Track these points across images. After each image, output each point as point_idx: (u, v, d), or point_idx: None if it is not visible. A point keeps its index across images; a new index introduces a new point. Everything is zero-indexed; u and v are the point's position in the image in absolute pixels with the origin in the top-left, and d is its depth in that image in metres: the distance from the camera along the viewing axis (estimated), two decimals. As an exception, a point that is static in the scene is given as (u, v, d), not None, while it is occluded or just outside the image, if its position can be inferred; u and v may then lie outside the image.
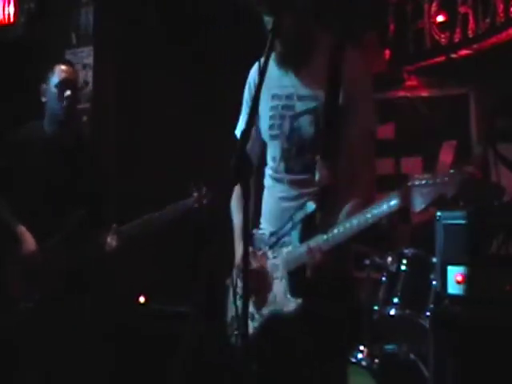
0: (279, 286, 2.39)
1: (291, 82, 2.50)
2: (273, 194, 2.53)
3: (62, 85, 3.57)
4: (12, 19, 5.13)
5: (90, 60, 4.85)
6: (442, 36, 4.87)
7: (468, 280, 3.29)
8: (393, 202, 2.23)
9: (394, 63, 5.22)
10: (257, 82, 2.35)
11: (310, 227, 2.35)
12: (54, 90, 3.56)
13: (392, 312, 3.74)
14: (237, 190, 2.67)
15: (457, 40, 4.80)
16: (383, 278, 3.86)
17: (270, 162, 2.61)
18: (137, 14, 5.05)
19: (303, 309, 2.30)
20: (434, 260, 3.67)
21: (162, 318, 4.37)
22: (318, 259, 2.26)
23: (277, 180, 2.54)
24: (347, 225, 2.26)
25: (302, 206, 2.40)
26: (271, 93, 2.54)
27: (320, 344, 2.34)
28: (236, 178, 2.01)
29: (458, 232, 3.40)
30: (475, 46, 4.74)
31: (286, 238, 2.39)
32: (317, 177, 2.40)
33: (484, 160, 4.65)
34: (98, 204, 3.66)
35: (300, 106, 2.46)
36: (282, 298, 2.37)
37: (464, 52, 4.82)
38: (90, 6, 4.91)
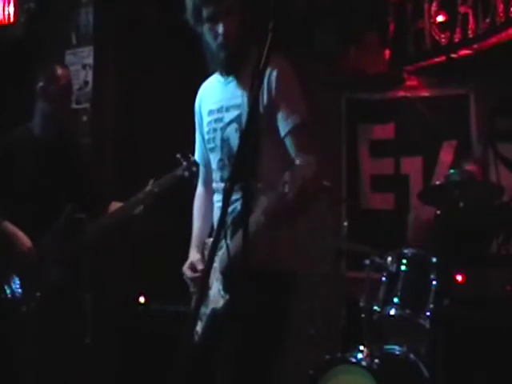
0: (216, 286, 2.51)
1: (222, 96, 2.61)
2: (215, 203, 2.64)
3: (66, 90, 3.63)
4: (12, 19, 5.12)
5: (89, 60, 4.85)
6: (442, 36, 4.87)
7: (468, 280, 3.30)
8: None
9: (394, 63, 5.22)
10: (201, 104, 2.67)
11: (236, 228, 2.42)
12: (56, 94, 3.58)
13: (392, 312, 3.74)
14: (198, 199, 2.82)
15: (457, 40, 4.80)
16: (383, 278, 3.86)
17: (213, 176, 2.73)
18: (137, 14, 5.06)
19: (230, 305, 2.41)
20: (434, 260, 3.68)
21: (162, 317, 4.37)
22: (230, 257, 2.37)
23: (216, 190, 2.66)
24: (252, 220, 2.30)
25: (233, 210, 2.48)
26: (208, 109, 2.67)
27: (245, 339, 2.38)
28: (235, 178, 2.02)
29: (458, 232, 3.40)
30: (475, 45, 4.74)
31: (222, 242, 2.41)
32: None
33: (484, 161, 4.65)
34: (89, 202, 3.68)
35: (227, 117, 2.56)
36: (217, 296, 2.49)
37: (464, 52, 4.82)
38: (89, 6, 4.91)
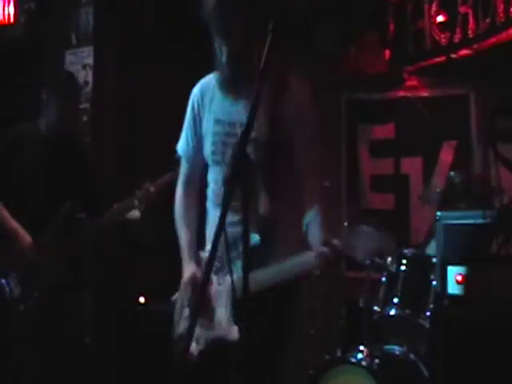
0: (223, 314, 2.40)
1: (235, 109, 2.46)
2: (215, 218, 2.35)
3: (73, 94, 3.68)
4: (12, 19, 5.12)
5: (90, 60, 4.85)
6: (442, 36, 4.86)
7: (468, 280, 3.29)
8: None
9: (394, 63, 5.22)
10: (200, 102, 2.50)
11: (253, 259, 2.25)
12: (60, 102, 3.61)
13: (392, 312, 3.75)
14: (181, 202, 2.65)
15: (457, 40, 4.79)
16: (383, 278, 3.86)
17: (211, 184, 2.59)
18: (137, 14, 5.06)
19: (246, 336, 2.21)
20: (434, 260, 3.68)
21: (162, 317, 4.36)
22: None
23: (218, 204, 2.49)
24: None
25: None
26: (215, 117, 2.52)
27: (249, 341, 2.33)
28: (235, 179, 1.97)
29: (457, 232, 3.40)
30: (475, 46, 4.74)
31: (231, 266, 2.21)
32: (260, 209, 2.39)
33: (485, 177, 4.64)
34: (89, 202, 3.68)
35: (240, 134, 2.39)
36: (226, 325, 2.38)
37: (464, 52, 4.82)
38: (89, 6, 4.91)
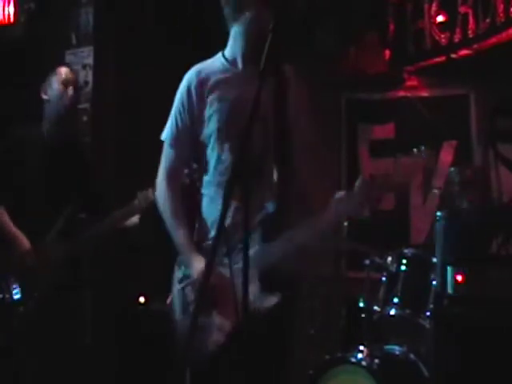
0: (251, 288, 2.25)
1: (244, 87, 2.40)
2: (219, 203, 2.24)
3: (65, 84, 3.64)
4: (12, 19, 5.12)
5: (90, 60, 4.85)
6: (442, 36, 4.86)
7: (468, 280, 3.30)
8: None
9: (394, 63, 5.22)
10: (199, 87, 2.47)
11: (271, 226, 2.34)
12: (57, 88, 3.60)
13: (392, 312, 3.74)
14: (167, 198, 2.56)
15: (457, 40, 4.79)
16: (383, 278, 3.85)
17: (213, 166, 2.52)
18: (137, 14, 5.06)
19: (281, 302, 2.32)
20: (434, 260, 3.67)
21: (162, 317, 4.36)
22: None
23: (221, 185, 2.44)
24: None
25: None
26: (219, 96, 2.48)
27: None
28: (235, 179, 1.97)
29: (458, 232, 3.40)
30: (475, 46, 4.74)
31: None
32: (275, 180, 2.40)
33: (484, 167, 4.64)
34: (89, 202, 3.69)
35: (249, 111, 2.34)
36: (257, 297, 2.32)
37: (464, 52, 4.82)
38: (89, 6, 4.91)
